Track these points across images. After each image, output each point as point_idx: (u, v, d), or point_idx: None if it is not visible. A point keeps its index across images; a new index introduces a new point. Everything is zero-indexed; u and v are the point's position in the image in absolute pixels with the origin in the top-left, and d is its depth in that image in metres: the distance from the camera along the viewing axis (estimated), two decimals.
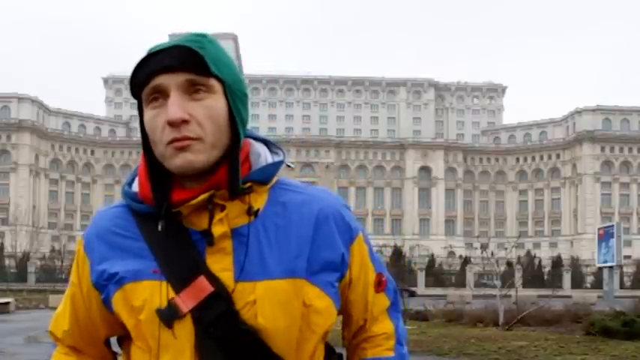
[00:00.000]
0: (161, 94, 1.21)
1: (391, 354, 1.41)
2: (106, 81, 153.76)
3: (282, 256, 1.26)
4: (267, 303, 1.23)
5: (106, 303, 1.30)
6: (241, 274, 1.23)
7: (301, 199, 1.32)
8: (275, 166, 1.32)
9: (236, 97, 1.26)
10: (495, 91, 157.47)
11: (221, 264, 1.24)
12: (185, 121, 1.19)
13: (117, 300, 1.28)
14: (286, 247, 1.27)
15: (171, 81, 1.20)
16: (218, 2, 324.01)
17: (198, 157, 1.20)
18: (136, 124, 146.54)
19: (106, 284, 1.29)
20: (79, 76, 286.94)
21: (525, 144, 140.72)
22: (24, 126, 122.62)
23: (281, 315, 1.24)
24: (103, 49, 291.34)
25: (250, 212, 1.26)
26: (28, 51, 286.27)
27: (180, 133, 1.19)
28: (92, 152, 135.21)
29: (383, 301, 1.42)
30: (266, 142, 1.36)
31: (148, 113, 1.23)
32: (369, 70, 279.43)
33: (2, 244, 69.56)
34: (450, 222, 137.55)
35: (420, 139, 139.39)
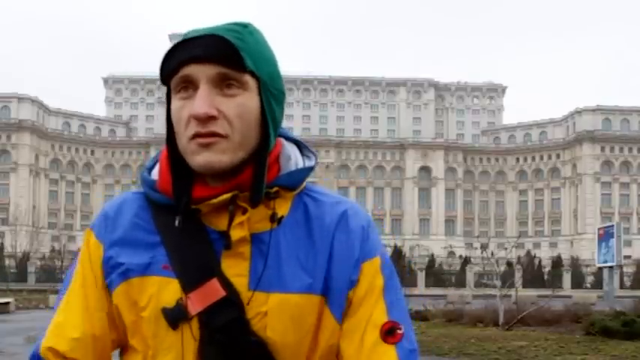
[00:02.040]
0: (191, 84, 1.13)
1: None
2: (106, 81, 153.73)
3: (300, 269, 1.18)
4: (278, 316, 1.16)
5: (109, 289, 1.23)
6: (255, 283, 1.16)
7: (326, 209, 1.24)
8: (304, 172, 1.24)
9: (271, 95, 1.18)
10: (495, 91, 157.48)
11: (236, 269, 1.17)
12: (212, 117, 1.11)
13: (119, 292, 1.20)
14: (305, 260, 1.19)
15: (201, 72, 1.12)
16: (218, 2, 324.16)
17: (221, 157, 1.13)
18: (136, 125, 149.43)
19: (110, 272, 1.21)
20: (79, 76, 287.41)
21: (525, 144, 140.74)
22: (24, 126, 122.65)
23: (291, 330, 1.17)
24: (103, 49, 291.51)
25: (274, 219, 1.18)
26: (28, 51, 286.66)
27: (205, 128, 1.12)
28: (92, 152, 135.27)
29: (389, 356, 1.19)
30: (298, 144, 1.28)
31: (175, 103, 1.15)
32: (369, 70, 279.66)
33: (2, 244, 69.53)
34: (450, 222, 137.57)
35: (420, 139, 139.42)
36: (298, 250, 1.19)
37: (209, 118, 1.11)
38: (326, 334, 1.21)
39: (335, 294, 1.20)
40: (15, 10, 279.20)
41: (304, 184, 1.25)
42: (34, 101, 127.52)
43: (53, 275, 57.04)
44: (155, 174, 1.24)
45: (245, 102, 1.14)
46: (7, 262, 62.57)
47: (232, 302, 1.15)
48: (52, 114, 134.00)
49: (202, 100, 1.11)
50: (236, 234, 1.16)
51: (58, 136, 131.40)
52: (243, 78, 1.13)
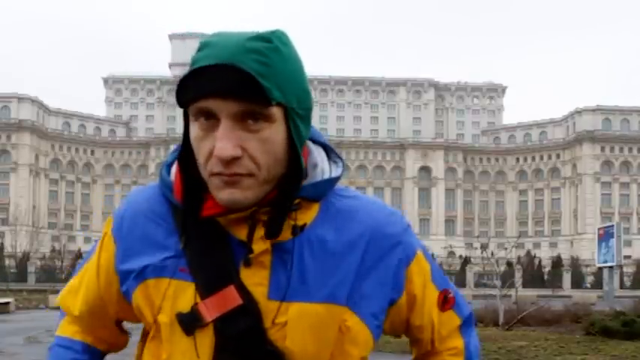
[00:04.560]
0: (210, 115, 1.05)
1: None
2: (106, 81, 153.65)
3: (324, 278, 1.14)
4: (299, 326, 1.12)
5: (126, 296, 1.21)
6: (276, 293, 1.12)
7: (358, 213, 1.19)
8: (330, 183, 1.18)
9: (298, 117, 1.09)
10: (495, 91, 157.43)
11: (256, 278, 1.13)
12: (236, 158, 1.04)
13: (137, 295, 1.18)
14: (330, 268, 1.14)
15: (222, 108, 1.03)
16: (218, 3, 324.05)
17: (246, 194, 1.07)
18: (136, 125, 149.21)
19: (127, 275, 1.19)
20: (79, 76, 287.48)
21: (525, 144, 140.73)
22: (24, 126, 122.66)
23: (312, 340, 1.13)
24: (103, 49, 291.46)
25: (295, 232, 1.13)
26: (28, 51, 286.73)
27: (229, 169, 1.05)
28: (92, 152, 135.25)
29: (452, 320, 1.29)
30: (326, 148, 1.22)
31: (195, 131, 1.07)
32: (369, 70, 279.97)
33: (2, 244, 69.53)
34: (450, 222, 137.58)
35: (420, 139, 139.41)
36: (322, 258, 1.15)
37: (233, 159, 1.04)
38: (357, 346, 1.17)
39: (368, 303, 1.17)
40: (15, 10, 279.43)
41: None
42: (34, 101, 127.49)
43: (53, 275, 57.09)
44: (173, 174, 1.19)
45: (271, 136, 1.06)
46: (7, 262, 62.58)
47: (249, 311, 1.11)
48: (52, 114, 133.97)
49: (226, 140, 1.03)
50: (257, 247, 1.12)
51: (58, 136, 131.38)
52: (269, 111, 1.04)
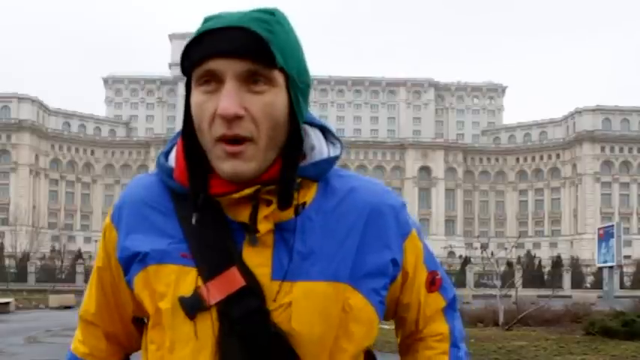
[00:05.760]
0: (215, 78, 1.07)
1: (445, 358, 1.30)
2: (106, 81, 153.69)
3: (326, 257, 1.14)
4: (303, 306, 1.11)
5: (129, 284, 1.20)
6: (279, 273, 1.12)
7: (356, 192, 1.20)
8: (331, 162, 1.19)
9: (299, 90, 1.12)
10: (495, 91, 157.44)
11: (258, 258, 1.12)
12: (238, 117, 1.05)
13: (138, 281, 1.17)
14: (331, 246, 1.15)
15: (228, 68, 1.05)
16: (218, 3, 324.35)
17: (249, 165, 1.07)
18: (136, 125, 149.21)
19: (129, 262, 1.18)
20: (79, 76, 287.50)
21: (525, 144, 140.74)
22: (24, 126, 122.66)
23: (317, 321, 1.12)
24: (103, 49, 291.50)
25: (297, 211, 1.14)
26: (28, 51, 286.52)
27: (231, 129, 1.05)
28: (92, 152, 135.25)
29: (437, 301, 1.31)
30: (323, 130, 1.23)
31: (198, 97, 1.08)
32: (369, 70, 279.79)
33: (2, 244, 69.46)
34: (450, 222, 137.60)
35: (420, 139, 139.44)
36: (324, 237, 1.15)
37: (235, 118, 1.05)
38: (362, 325, 1.17)
39: (370, 280, 1.17)
40: (15, 10, 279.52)
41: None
42: (34, 101, 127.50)
43: (53, 275, 57.14)
44: (172, 160, 1.19)
45: (273, 100, 1.08)
46: (7, 262, 62.51)
47: (253, 292, 1.10)
48: (52, 114, 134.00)
49: (230, 98, 1.05)
50: (262, 227, 1.12)
51: (58, 136, 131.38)
52: (272, 74, 1.07)
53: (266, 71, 1.06)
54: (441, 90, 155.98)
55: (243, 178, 1.08)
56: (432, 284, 1.29)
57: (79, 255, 71.37)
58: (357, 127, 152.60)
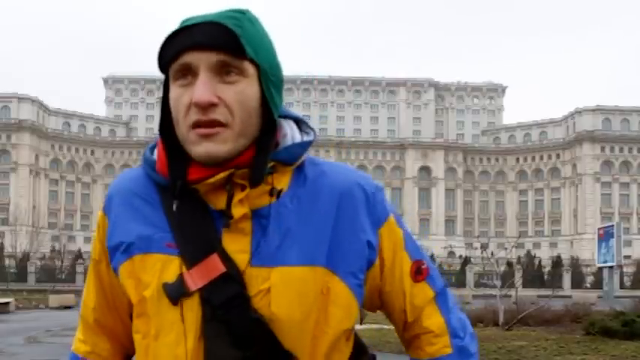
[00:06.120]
0: (190, 71, 1.13)
1: (448, 351, 1.30)
2: (106, 81, 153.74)
3: (302, 241, 1.17)
4: (282, 291, 1.14)
5: (115, 271, 1.24)
6: (257, 259, 1.15)
7: (327, 176, 1.23)
8: (302, 147, 1.22)
9: (270, 82, 1.17)
10: (495, 91, 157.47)
11: (237, 245, 1.16)
12: (213, 105, 1.11)
13: (124, 270, 1.21)
14: (307, 231, 1.18)
15: (201, 60, 1.12)
16: (218, 3, 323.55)
17: (222, 147, 1.12)
18: (136, 125, 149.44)
19: (115, 251, 1.22)
20: (79, 76, 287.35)
21: (525, 144, 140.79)
22: (24, 126, 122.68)
23: (297, 305, 1.15)
24: (103, 49, 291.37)
25: (272, 193, 1.18)
26: (28, 51, 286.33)
27: (206, 115, 1.11)
28: (92, 152, 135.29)
29: (425, 291, 1.30)
30: (297, 120, 1.27)
31: (174, 91, 1.15)
32: (369, 70, 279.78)
33: (2, 244, 69.40)
34: (450, 222, 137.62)
35: (420, 139, 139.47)
36: (300, 222, 1.18)
37: (210, 106, 1.11)
38: (340, 308, 1.19)
39: (345, 263, 1.19)
40: (15, 11, 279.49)
41: (303, 157, 1.23)
42: (34, 101, 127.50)
43: (53, 275, 57.12)
44: (156, 154, 1.24)
45: (245, 89, 1.13)
46: (7, 262, 62.49)
47: (233, 278, 1.13)
48: (52, 114, 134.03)
49: (204, 87, 1.10)
50: (237, 212, 1.15)
51: (58, 136, 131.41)
52: (242, 65, 1.13)
53: (237, 62, 1.12)
54: (441, 90, 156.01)
55: (217, 159, 1.12)
56: (418, 274, 1.29)
57: (79, 255, 71.29)
58: (357, 127, 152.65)
